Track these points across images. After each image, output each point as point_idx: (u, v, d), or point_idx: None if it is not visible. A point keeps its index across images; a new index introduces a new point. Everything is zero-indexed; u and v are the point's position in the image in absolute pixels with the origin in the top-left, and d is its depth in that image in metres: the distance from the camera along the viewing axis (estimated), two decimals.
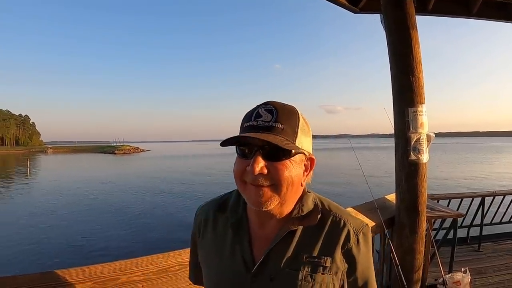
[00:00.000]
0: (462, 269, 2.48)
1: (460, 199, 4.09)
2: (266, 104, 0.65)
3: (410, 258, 2.24)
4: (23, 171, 35.14)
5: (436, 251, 2.57)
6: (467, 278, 2.40)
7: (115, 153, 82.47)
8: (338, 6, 2.38)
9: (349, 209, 2.04)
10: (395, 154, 2.25)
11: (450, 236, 3.22)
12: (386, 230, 2.14)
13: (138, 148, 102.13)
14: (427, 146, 2.16)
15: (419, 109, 2.11)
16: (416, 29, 2.14)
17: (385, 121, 2.37)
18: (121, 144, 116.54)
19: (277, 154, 0.62)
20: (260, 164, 0.61)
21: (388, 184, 12.47)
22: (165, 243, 8.92)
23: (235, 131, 0.68)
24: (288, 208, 0.69)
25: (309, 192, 0.74)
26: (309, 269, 0.66)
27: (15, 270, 7.24)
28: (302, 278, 0.66)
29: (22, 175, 30.97)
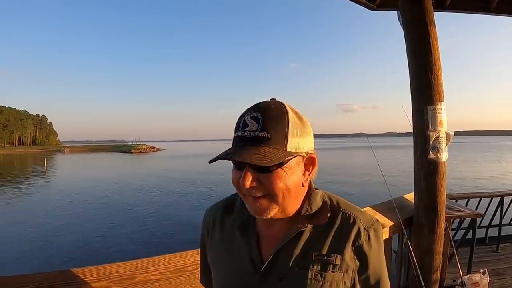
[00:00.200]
0: (481, 270, 2.43)
1: (478, 199, 4.01)
2: (252, 110, 0.62)
3: (429, 259, 2.20)
4: (40, 170, 35.95)
5: (455, 252, 2.52)
6: (486, 279, 2.34)
7: (131, 152, 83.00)
8: (355, 3, 2.36)
9: (367, 208, 2.03)
10: (414, 153, 2.22)
11: (469, 236, 3.15)
12: (404, 230, 2.12)
13: (154, 147, 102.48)
14: (446, 145, 2.12)
15: (438, 107, 2.07)
16: (435, 26, 2.10)
17: (402, 120, 2.33)
18: (137, 143, 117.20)
19: (267, 165, 0.59)
20: (249, 179, 0.60)
21: (403, 183, 12.28)
22: (180, 243, 8.97)
23: None
24: (293, 209, 0.68)
25: (317, 189, 0.73)
26: (319, 267, 0.65)
27: (31, 267, 7.47)
28: (311, 277, 0.64)
29: (39, 174, 31.70)
